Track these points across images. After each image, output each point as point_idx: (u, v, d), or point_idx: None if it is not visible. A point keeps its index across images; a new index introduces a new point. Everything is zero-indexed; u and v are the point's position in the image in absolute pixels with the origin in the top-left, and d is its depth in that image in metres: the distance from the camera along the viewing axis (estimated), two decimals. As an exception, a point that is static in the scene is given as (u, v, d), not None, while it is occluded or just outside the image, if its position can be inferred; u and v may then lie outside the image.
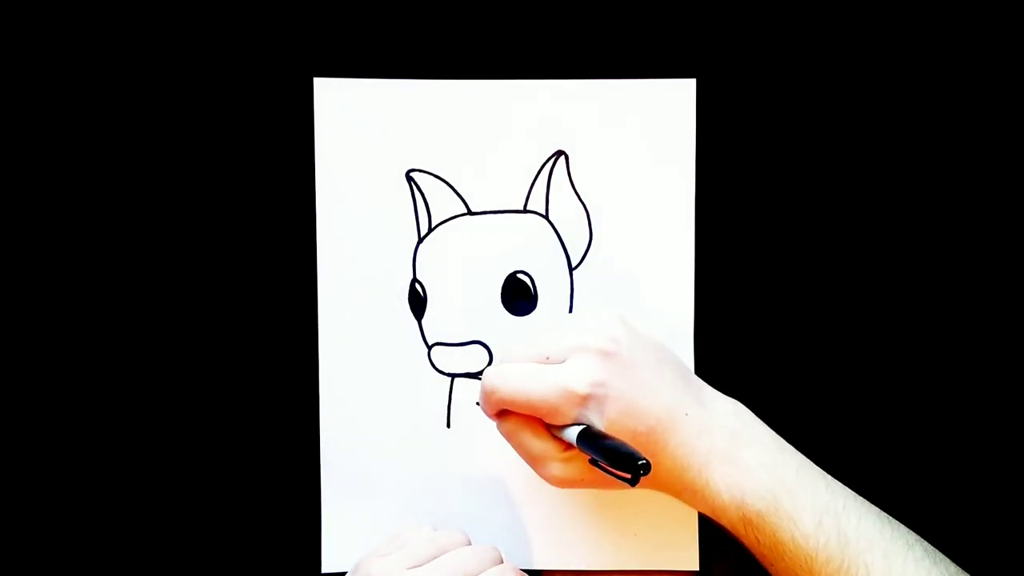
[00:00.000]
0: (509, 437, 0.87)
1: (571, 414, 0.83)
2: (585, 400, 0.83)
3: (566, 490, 0.94)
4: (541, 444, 0.85)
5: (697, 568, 0.95)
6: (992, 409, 0.95)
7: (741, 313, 0.95)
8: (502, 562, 0.87)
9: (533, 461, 0.87)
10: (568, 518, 0.95)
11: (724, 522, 0.86)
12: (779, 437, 0.88)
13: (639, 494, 0.92)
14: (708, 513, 0.87)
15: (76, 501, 0.96)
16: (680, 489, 0.86)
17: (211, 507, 0.96)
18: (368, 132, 0.94)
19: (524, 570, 0.91)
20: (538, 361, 0.85)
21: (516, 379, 0.85)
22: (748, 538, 0.86)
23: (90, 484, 0.96)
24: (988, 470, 0.96)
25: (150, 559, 0.96)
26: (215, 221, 0.95)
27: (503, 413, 0.86)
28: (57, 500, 0.96)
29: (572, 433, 0.83)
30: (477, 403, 0.94)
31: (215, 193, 0.95)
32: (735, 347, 0.95)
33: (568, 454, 0.85)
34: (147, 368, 0.95)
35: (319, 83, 0.94)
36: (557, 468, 0.86)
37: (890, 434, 0.96)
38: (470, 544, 0.88)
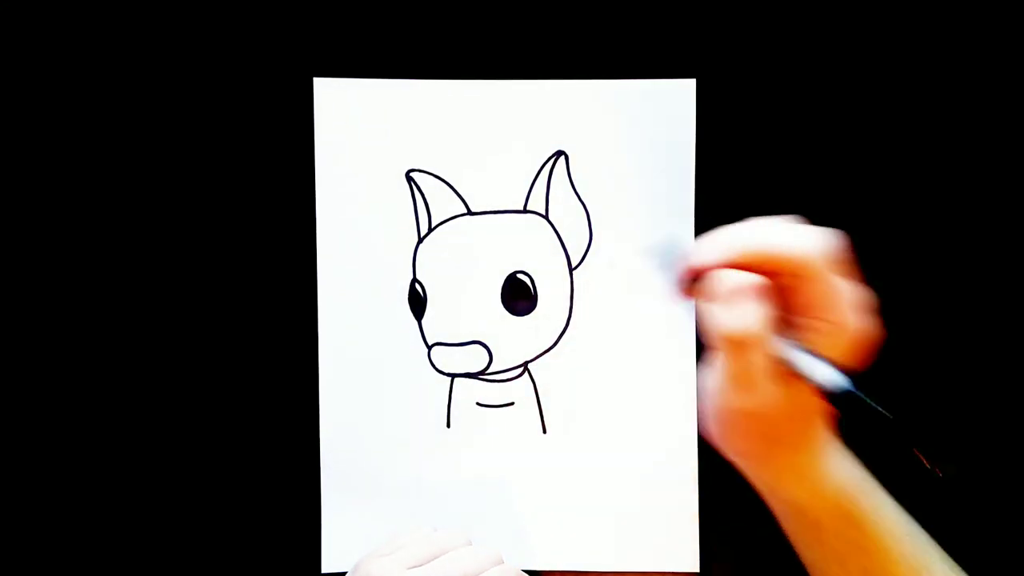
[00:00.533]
0: (750, 342, 0.68)
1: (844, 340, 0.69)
2: (858, 319, 0.70)
3: (567, 489, 0.94)
4: (769, 361, 0.69)
5: (697, 569, 0.95)
6: (994, 411, 0.95)
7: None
8: (502, 562, 0.87)
9: (749, 380, 0.69)
10: (568, 518, 0.95)
11: (828, 505, 0.77)
12: None
13: (639, 493, 0.92)
14: (812, 494, 0.77)
15: (76, 501, 0.96)
16: (806, 462, 0.76)
17: (211, 507, 0.96)
18: (368, 132, 0.94)
19: (524, 570, 0.91)
20: None
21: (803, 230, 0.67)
22: (837, 529, 0.78)
23: (90, 484, 0.96)
24: (989, 472, 0.96)
25: (150, 559, 0.96)
26: (215, 221, 0.95)
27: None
28: (57, 500, 0.96)
29: (836, 379, 0.68)
30: (478, 403, 0.95)
31: (215, 193, 0.95)
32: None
33: (781, 382, 0.70)
34: (147, 368, 0.95)
35: (319, 83, 0.94)
36: (770, 392, 0.70)
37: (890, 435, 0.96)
38: (470, 544, 0.88)
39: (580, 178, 0.94)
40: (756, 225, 0.69)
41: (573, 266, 0.94)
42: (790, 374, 0.69)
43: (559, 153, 0.94)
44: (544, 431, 0.95)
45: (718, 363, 0.72)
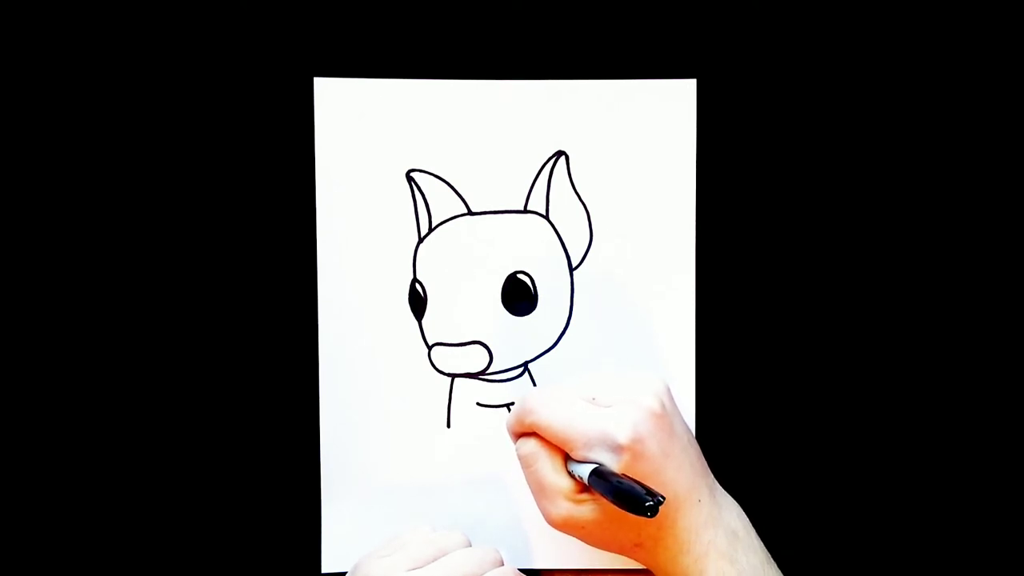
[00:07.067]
0: (527, 460, 0.87)
1: (599, 458, 0.83)
2: (619, 451, 0.83)
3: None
4: (558, 477, 0.85)
5: (697, 568, 0.95)
6: (997, 415, 0.95)
7: (742, 314, 0.95)
8: (502, 564, 0.87)
9: (542, 493, 0.86)
10: (568, 518, 0.95)
11: None
12: (769, 553, 0.88)
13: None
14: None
15: (76, 501, 0.96)
16: (671, 571, 0.86)
17: (211, 507, 0.96)
18: (368, 132, 0.94)
19: (524, 570, 0.91)
20: (583, 399, 0.86)
21: (557, 407, 0.85)
22: None
23: (90, 484, 0.96)
24: (990, 475, 0.96)
25: (150, 559, 0.96)
26: (215, 221, 0.95)
27: (527, 435, 0.87)
28: (57, 500, 0.96)
29: (588, 470, 0.83)
30: (478, 403, 0.95)
31: (215, 193, 0.95)
32: (736, 348, 0.95)
33: (581, 496, 0.85)
34: (147, 368, 0.95)
35: (319, 83, 0.94)
36: (564, 507, 0.85)
37: (891, 435, 0.96)
38: (470, 545, 0.88)
39: (580, 178, 0.94)
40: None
41: (573, 266, 0.94)
42: (580, 484, 0.85)
43: (559, 153, 0.94)
44: (544, 431, 0.95)
45: (529, 485, 0.88)
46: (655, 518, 0.82)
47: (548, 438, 0.85)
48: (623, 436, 0.83)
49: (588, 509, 0.85)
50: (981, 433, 0.95)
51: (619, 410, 0.84)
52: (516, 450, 0.88)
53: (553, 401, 0.86)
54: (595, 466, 0.83)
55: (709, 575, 0.85)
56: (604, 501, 0.83)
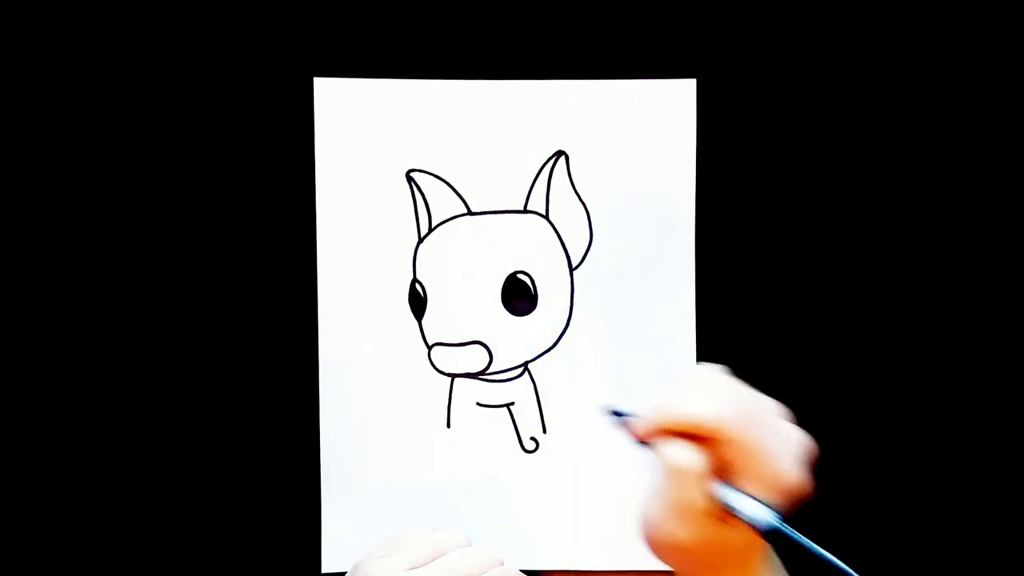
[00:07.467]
0: (682, 474, 0.72)
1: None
2: (783, 493, 0.73)
3: (568, 489, 0.94)
4: (706, 498, 0.72)
5: (697, 568, 0.95)
6: (997, 412, 0.95)
7: (742, 313, 0.95)
8: (502, 563, 0.87)
9: (685, 513, 0.73)
10: (568, 518, 0.95)
11: None
12: None
13: (639, 493, 0.92)
14: None
15: (76, 501, 0.96)
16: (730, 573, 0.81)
17: (211, 507, 0.96)
18: (368, 132, 0.94)
19: (524, 570, 0.91)
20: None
21: (751, 424, 0.72)
22: None
23: (90, 484, 0.96)
24: (990, 473, 0.96)
25: (150, 559, 0.96)
26: (215, 221, 0.95)
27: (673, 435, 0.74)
28: (57, 500, 0.96)
29: (764, 514, 0.72)
30: (478, 403, 0.95)
31: (215, 193, 0.95)
32: (736, 348, 0.95)
33: (718, 523, 0.73)
34: (147, 368, 0.95)
35: (319, 83, 0.94)
36: (704, 531, 0.74)
37: (891, 435, 0.96)
38: (470, 545, 0.88)
39: (580, 178, 0.94)
40: (674, 400, 0.74)
41: (573, 266, 0.94)
42: (726, 513, 0.73)
43: (559, 153, 0.94)
44: (544, 431, 0.95)
45: (661, 492, 0.75)
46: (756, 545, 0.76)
47: (730, 456, 0.72)
48: (793, 478, 0.73)
49: (722, 536, 0.74)
50: (984, 431, 0.95)
51: (794, 443, 0.74)
52: (670, 456, 0.73)
53: (751, 417, 0.73)
54: (776, 516, 0.72)
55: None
56: (737, 531, 0.73)
